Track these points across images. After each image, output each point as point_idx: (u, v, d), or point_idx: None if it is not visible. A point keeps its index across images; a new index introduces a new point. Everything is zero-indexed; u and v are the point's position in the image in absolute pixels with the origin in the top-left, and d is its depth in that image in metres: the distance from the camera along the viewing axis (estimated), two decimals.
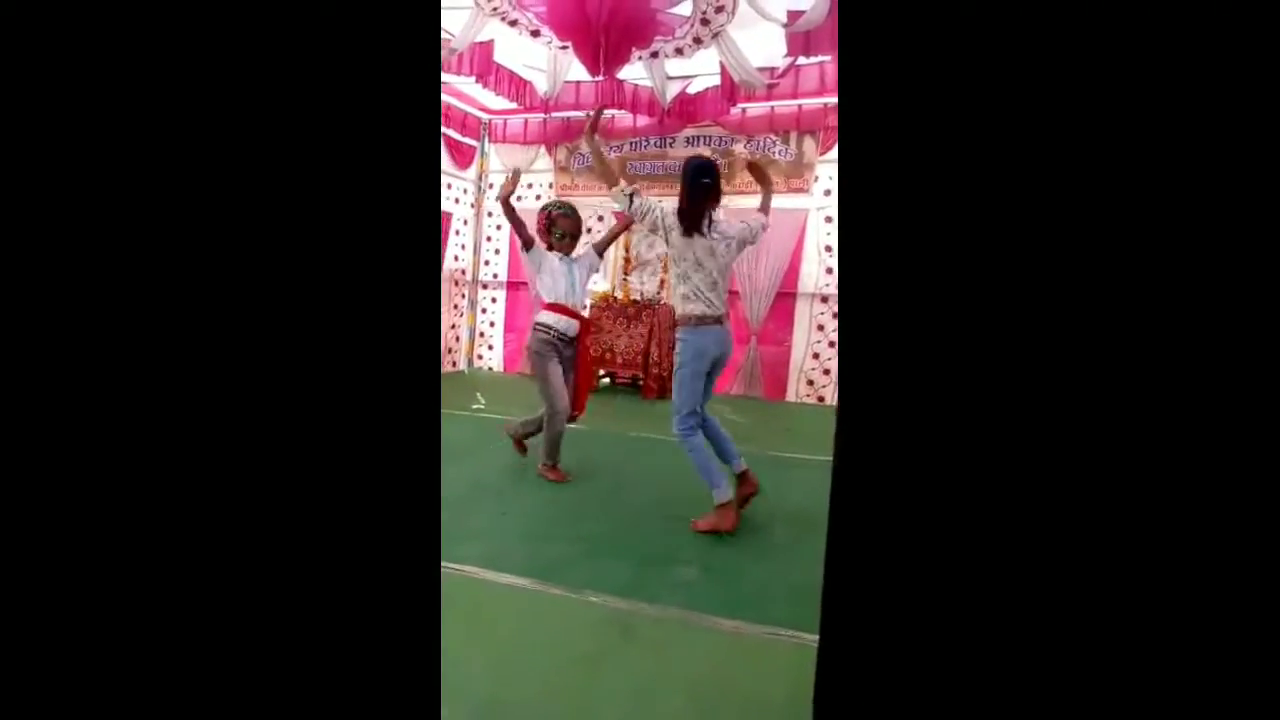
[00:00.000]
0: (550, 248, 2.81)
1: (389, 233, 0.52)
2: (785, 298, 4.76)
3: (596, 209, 5.41)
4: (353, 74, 0.51)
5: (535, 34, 3.49)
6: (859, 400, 0.54)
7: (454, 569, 1.82)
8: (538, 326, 2.74)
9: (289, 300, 0.51)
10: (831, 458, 0.61)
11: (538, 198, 5.54)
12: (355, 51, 0.51)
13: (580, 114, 5.05)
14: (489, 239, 5.88)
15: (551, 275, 2.76)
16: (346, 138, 0.52)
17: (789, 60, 3.77)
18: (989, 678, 0.51)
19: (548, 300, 2.75)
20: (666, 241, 2.26)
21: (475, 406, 4.17)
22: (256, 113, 0.49)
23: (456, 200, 5.58)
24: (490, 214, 5.82)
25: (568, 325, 2.73)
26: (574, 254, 2.83)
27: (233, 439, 0.50)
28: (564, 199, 3.68)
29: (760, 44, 3.60)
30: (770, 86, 3.99)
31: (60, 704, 0.46)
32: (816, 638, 0.67)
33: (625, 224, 2.97)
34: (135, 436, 0.48)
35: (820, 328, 4.69)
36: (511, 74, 4.34)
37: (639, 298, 5.17)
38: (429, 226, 0.55)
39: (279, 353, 0.51)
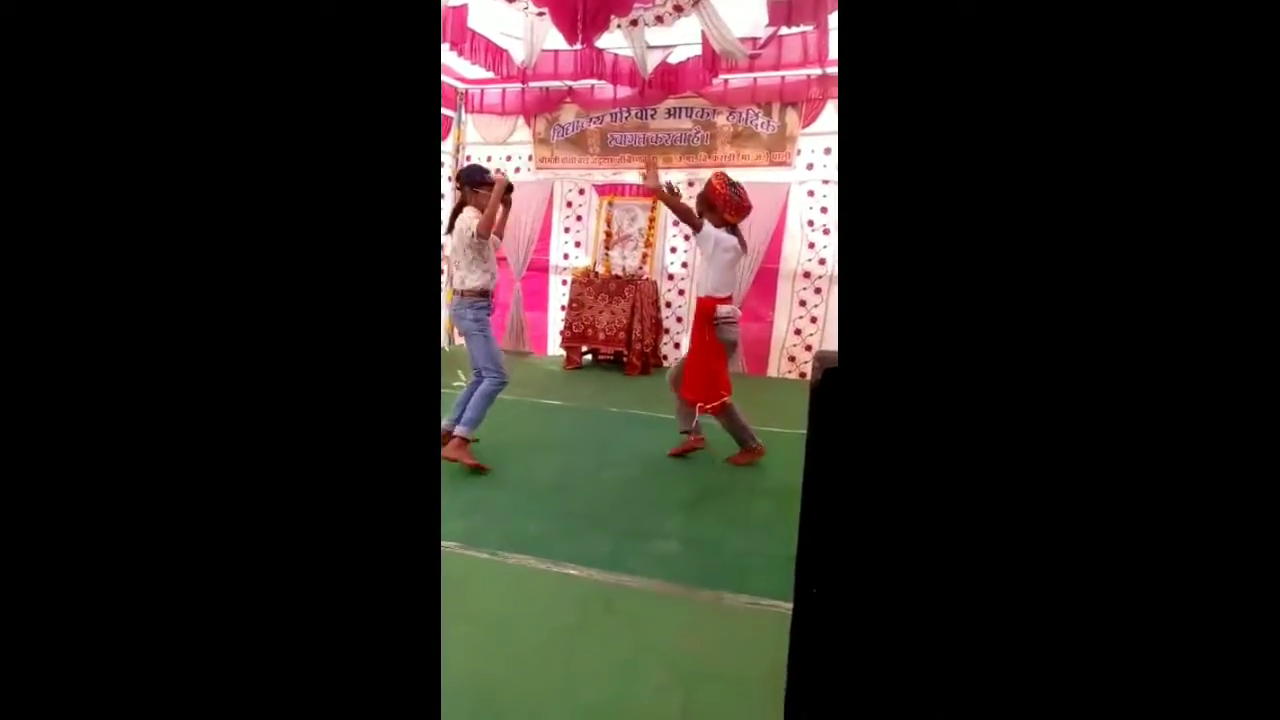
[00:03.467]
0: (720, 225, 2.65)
1: (388, 217, 0.52)
2: (767, 273, 4.76)
3: (576, 181, 5.33)
4: (352, 60, 0.50)
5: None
6: (834, 371, 0.55)
7: None
8: (724, 323, 2.65)
9: (288, 287, 0.50)
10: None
11: (516, 170, 5.43)
12: (353, 36, 0.50)
13: (559, 84, 4.94)
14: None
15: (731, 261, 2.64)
16: (344, 116, 0.51)
17: (771, 30, 3.70)
18: (963, 648, 0.52)
19: (725, 294, 2.67)
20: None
21: (456, 384, 4.14)
22: (254, 100, 0.49)
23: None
24: None
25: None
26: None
27: (231, 422, 0.49)
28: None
29: (742, 13, 3.53)
30: (752, 57, 3.93)
31: (56, 688, 0.45)
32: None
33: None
34: (130, 425, 0.47)
35: (802, 303, 4.70)
36: (488, 42, 4.20)
37: (620, 273, 5.13)
38: (429, 210, 0.55)
39: (278, 341, 0.51)
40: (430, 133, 0.54)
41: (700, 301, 2.75)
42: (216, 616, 0.49)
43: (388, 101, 0.51)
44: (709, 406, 2.62)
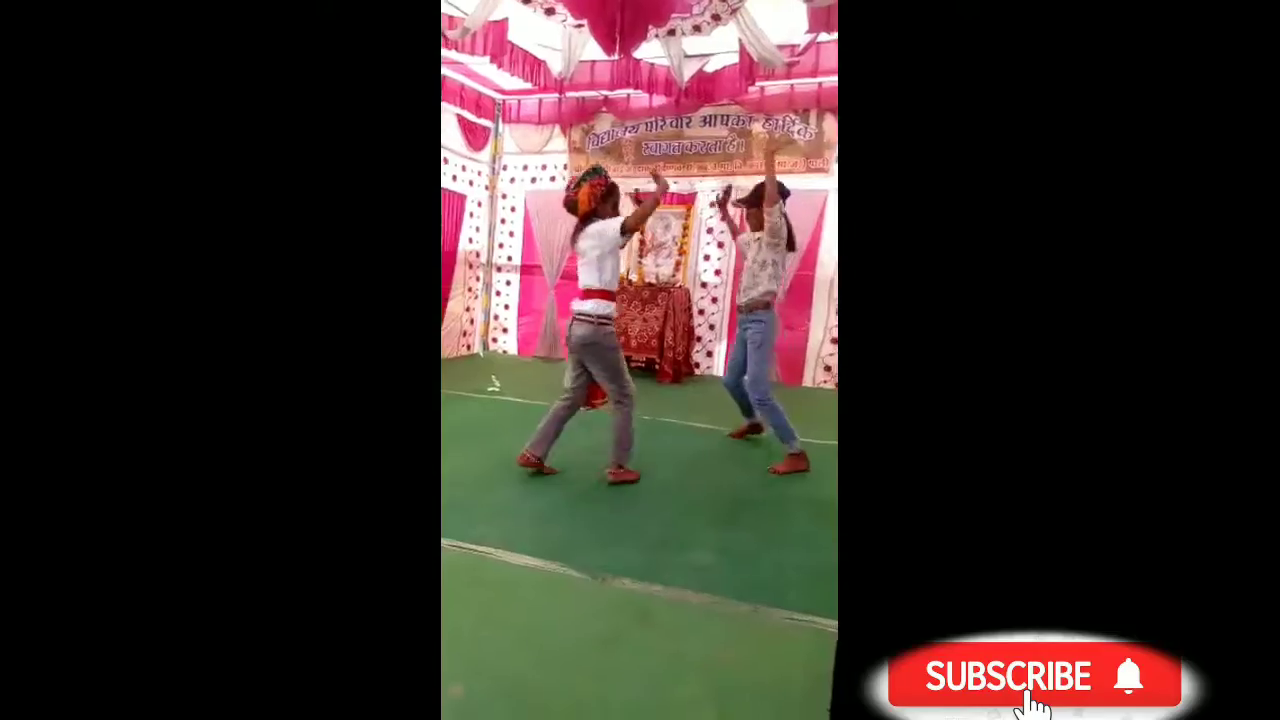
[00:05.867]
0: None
1: (387, 213, 0.53)
2: (803, 280, 4.70)
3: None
4: (352, 59, 0.51)
5: (550, 12, 3.43)
6: (861, 386, 0.54)
7: (472, 549, 1.84)
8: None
9: (289, 283, 0.51)
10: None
11: (551, 179, 5.50)
12: (354, 35, 0.50)
13: (595, 93, 4.99)
14: (503, 221, 5.86)
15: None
16: (346, 116, 0.51)
17: (810, 37, 3.68)
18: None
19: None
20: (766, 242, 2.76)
21: (491, 390, 4.19)
22: (255, 101, 0.49)
23: (471, 183, 5.56)
24: (504, 195, 5.79)
25: None
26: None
27: (232, 416, 0.50)
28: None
29: (780, 20, 3.51)
30: (790, 64, 3.90)
31: (57, 683, 0.46)
32: (835, 623, 0.67)
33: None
34: (131, 422, 0.48)
35: (839, 312, 4.63)
36: (525, 53, 4.28)
37: (654, 280, 5.14)
38: (427, 205, 0.55)
39: (279, 335, 0.51)
40: (430, 132, 0.54)
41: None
42: (215, 595, 0.49)
43: (388, 103, 0.51)
44: None
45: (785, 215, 2.76)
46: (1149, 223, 0.43)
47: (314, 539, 0.51)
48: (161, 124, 0.48)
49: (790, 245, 2.82)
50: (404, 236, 0.53)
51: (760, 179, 2.77)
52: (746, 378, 2.87)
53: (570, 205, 2.46)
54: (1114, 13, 0.42)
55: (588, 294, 2.45)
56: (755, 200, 2.79)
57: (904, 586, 0.57)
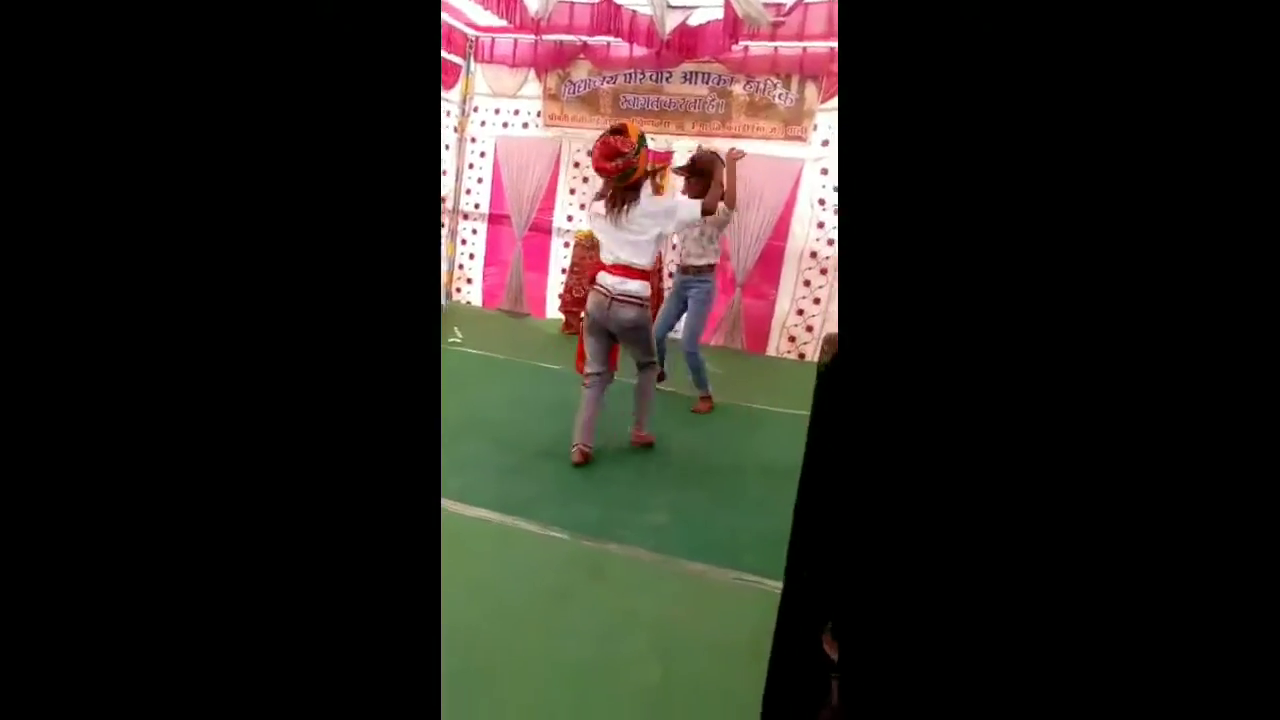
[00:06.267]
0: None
1: (386, 170, 0.52)
2: (774, 250, 4.70)
3: (587, 142, 5.21)
4: (351, 56, 0.51)
5: None
6: (842, 366, 0.55)
7: None
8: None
9: (287, 277, 0.50)
10: (809, 412, 0.61)
11: (524, 125, 5.30)
12: (353, 34, 0.50)
13: (573, 38, 4.78)
14: (470, 166, 5.63)
15: None
16: (344, 112, 0.51)
17: None
18: (950, 634, 0.53)
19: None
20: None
21: (452, 340, 4.11)
22: (253, 97, 0.49)
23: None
24: (474, 139, 5.55)
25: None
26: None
27: (229, 390, 0.49)
28: None
29: None
30: (775, 25, 3.80)
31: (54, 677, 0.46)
32: (780, 584, 0.69)
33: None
34: (127, 405, 0.47)
35: (807, 283, 4.66)
36: None
37: None
38: (427, 196, 0.54)
39: (279, 330, 0.50)
40: (430, 131, 0.54)
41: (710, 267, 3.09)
42: (213, 574, 0.48)
43: (387, 96, 0.51)
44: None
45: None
46: (1150, 212, 0.43)
47: (311, 510, 0.51)
48: (161, 124, 0.47)
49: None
50: (402, 222, 0.52)
51: (723, 144, 2.78)
52: (683, 331, 3.11)
53: (623, 169, 2.11)
54: (1117, 5, 0.41)
55: (632, 273, 2.19)
56: (696, 172, 2.67)
57: (851, 556, 0.58)
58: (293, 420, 0.50)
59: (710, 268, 3.09)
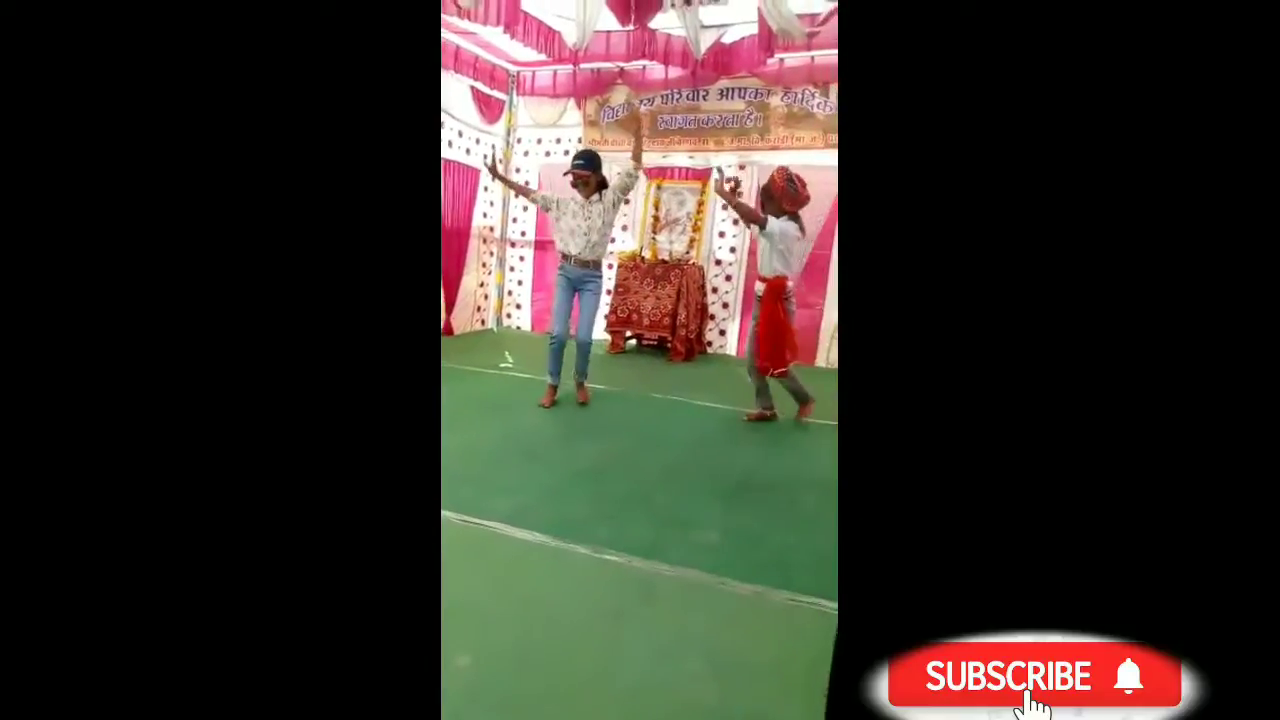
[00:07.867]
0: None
1: (387, 191, 0.53)
2: (819, 259, 4.62)
3: (626, 165, 5.29)
4: (352, 58, 0.51)
5: None
6: (861, 369, 0.54)
7: (482, 524, 1.86)
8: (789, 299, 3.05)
9: (289, 260, 0.51)
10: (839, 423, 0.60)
11: (565, 153, 5.43)
12: (354, 36, 0.50)
13: (610, 65, 4.89)
14: (516, 196, 5.80)
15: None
16: (344, 113, 0.52)
17: (830, 6, 3.56)
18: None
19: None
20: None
21: (503, 365, 4.22)
22: (255, 97, 0.49)
23: (485, 156, 5.50)
24: (519, 170, 5.73)
25: None
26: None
27: (231, 395, 0.50)
28: None
29: None
30: (810, 35, 3.78)
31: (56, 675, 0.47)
32: (836, 606, 0.67)
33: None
34: (129, 408, 0.49)
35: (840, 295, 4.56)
36: (540, 23, 4.19)
37: (667, 257, 5.09)
38: (428, 185, 0.56)
39: (279, 321, 0.52)
40: (430, 129, 0.55)
41: (770, 281, 3.03)
42: (214, 576, 0.50)
43: (387, 98, 0.51)
44: (778, 371, 3.00)
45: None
46: (1150, 209, 0.42)
47: (311, 516, 0.52)
48: (161, 123, 0.48)
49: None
50: (403, 208, 0.53)
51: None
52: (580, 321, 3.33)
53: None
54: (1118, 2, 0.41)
55: None
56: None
57: (903, 574, 0.57)
58: (293, 424, 0.51)
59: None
